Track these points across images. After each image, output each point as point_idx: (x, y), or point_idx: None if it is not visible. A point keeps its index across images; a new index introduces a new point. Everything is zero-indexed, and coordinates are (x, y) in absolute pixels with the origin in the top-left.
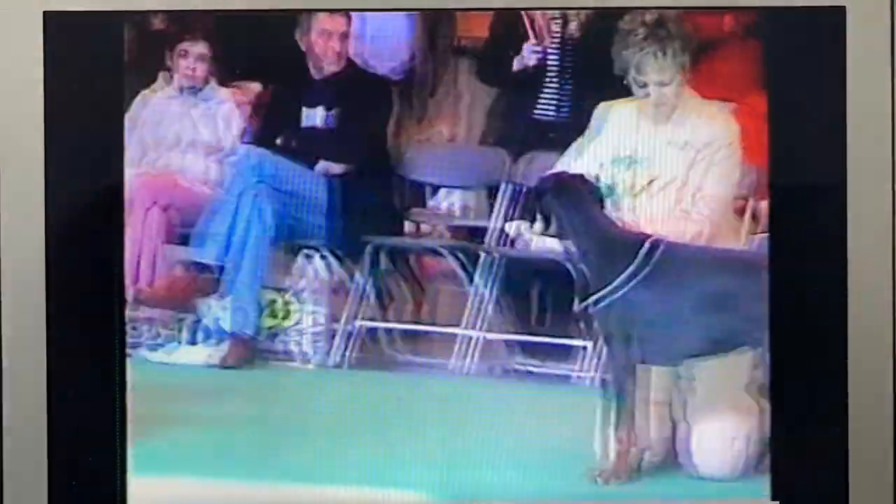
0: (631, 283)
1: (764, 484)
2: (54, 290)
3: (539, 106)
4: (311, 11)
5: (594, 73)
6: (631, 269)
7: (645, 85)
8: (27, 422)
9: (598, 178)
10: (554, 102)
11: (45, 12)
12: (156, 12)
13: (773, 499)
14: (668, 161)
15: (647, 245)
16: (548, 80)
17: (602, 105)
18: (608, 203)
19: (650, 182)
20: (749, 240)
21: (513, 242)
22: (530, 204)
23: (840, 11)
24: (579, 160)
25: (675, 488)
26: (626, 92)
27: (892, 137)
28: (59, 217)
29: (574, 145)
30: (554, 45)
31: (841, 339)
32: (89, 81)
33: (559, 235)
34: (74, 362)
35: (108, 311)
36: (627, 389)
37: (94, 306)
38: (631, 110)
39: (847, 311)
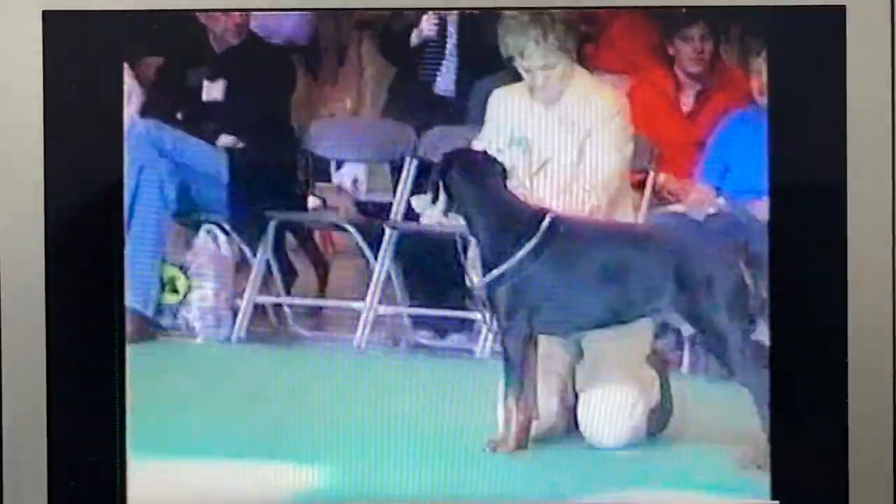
0: (531, 258)
1: (763, 483)
2: (54, 289)
3: (439, 83)
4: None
5: (486, 57)
6: (531, 243)
7: (530, 70)
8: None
9: (497, 157)
10: (453, 80)
11: (43, 11)
12: (153, 12)
13: (773, 498)
14: (561, 140)
15: (546, 220)
16: (446, 58)
17: (497, 89)
18: (510, 180)
19: (546, 162)
20: (648, 213)
21: (417, 218)
22: (434, 179)
23: (840, 11)
24: (480, 138)
25: (571, 457)
26: (517, 75)
27: (892, 137)
28: (59, 216)
29: (475, 124)
30: (452, 24)
31: (841, 339)
32: (88, 80)
33: (462, 211)
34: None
35: (107, 305)
36: (526, 361)
37: (93, 302)
38: (522, 93)
39: (847, 311)
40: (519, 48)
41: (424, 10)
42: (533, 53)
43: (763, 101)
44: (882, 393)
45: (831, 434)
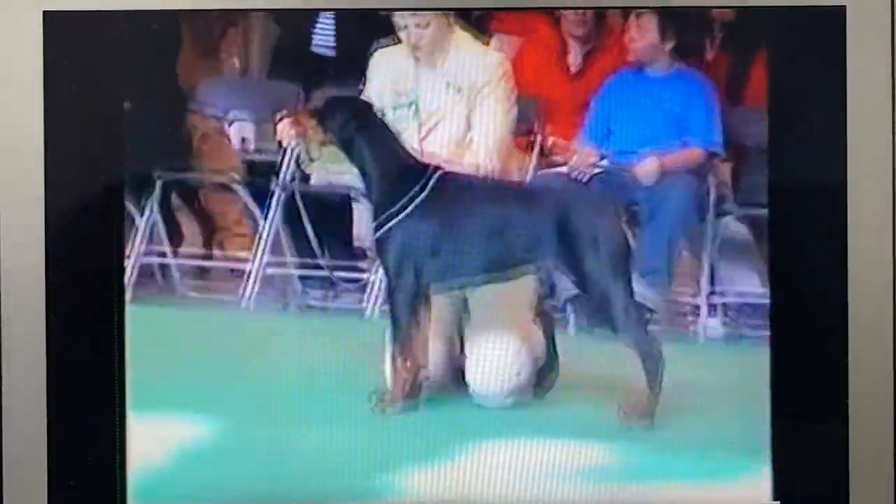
0: (419, 214)
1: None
2: (53, 288)
3: (321, 42)
4: None
5: (367, 16)
6: (418, 199)
7: (405, 27)
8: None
9: (386, 114)
10: (335, 39)
11: (44, 12)
12: (152, 12)
13: (774, 499)
14: (448, 101)
15: (434, 176)
16: (328, 17)
17: (381, 49)
18: (398, 138)
19: (434, 121)
20: (534, 172)
21: (307, 178)
22: (325, 137)
23: (840, 11)
24: (367, 97)
25: (457, 412)
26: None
27: (892, 137)
28: (59, 215)
29: (360, 83)
30: None
31: (841, 339)
32: (89, 81)
33: (353, 167)
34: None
35: (107, 304)
36: (415, 318)
37: (92, 298)
38: (405, 54)
39: (847, 311)
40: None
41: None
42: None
43: (656, 66)
44: (883, 393)
45: (832, 434)
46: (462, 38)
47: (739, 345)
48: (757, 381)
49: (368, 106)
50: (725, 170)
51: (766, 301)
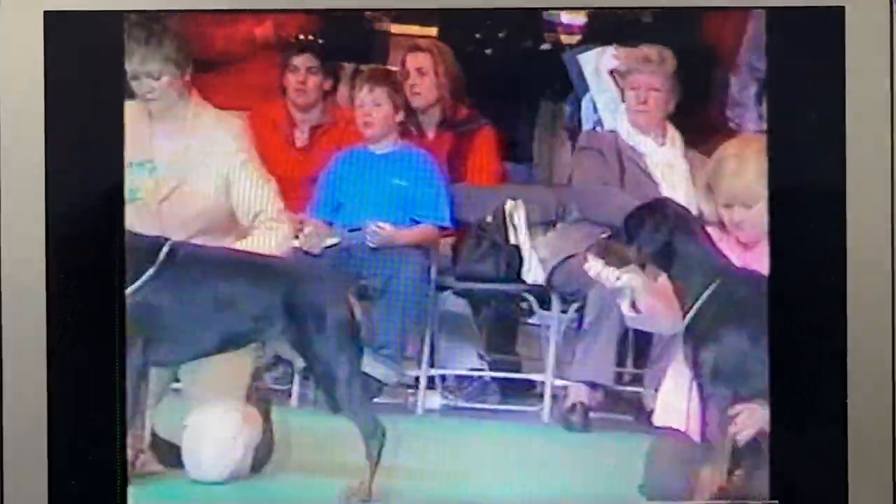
0: (151, 286)
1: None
2: (54, 287)
3: None
4: None
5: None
6: (151, 271)
7: (137, 77)
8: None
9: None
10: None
11: (45, 12)
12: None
13: (773, 498)
14: (189, 167)
15: (165, 248)
16: None
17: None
18: (130, 208)
19: (172, 187)
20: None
21: None
22: None
23: (840, 11)
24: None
25: (174, 492)
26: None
27: (892, 137)
28: (59, 214)
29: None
30: None
31: (840, 340)
32: (89, 80)
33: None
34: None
35: (107, 301)
36: (139, 391)
37: (93, 300)
38: (142, 112)
39: (847, 313)
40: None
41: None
42: (141, 59)
43: None
44: (882, 394)
45: (831, 434)
46: (200, 105)
47: (457, 417)
48: (469, 451)
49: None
50: (447, 245)
51: (485, 375)
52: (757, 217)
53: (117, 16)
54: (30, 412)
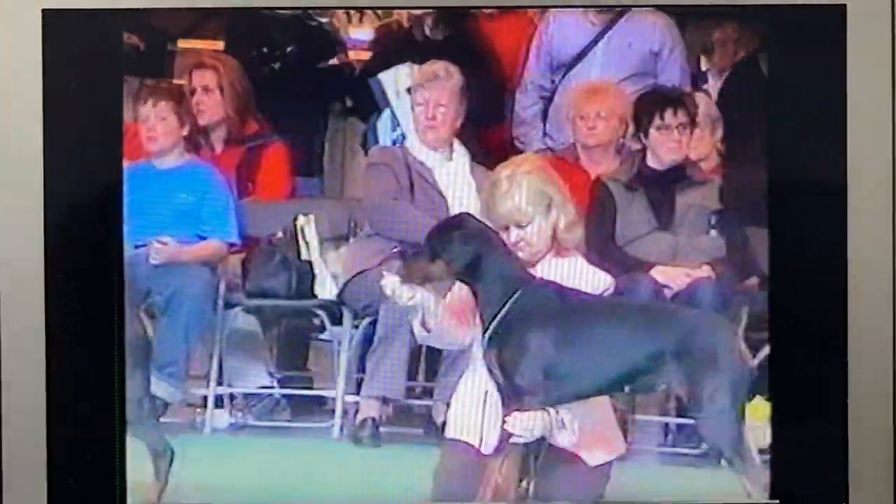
0: None
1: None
2: (53, 287)
3: None
4: None
5: None
6: None
7: None
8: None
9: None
10: None
11: (43, 10)
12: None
13: (773, 498)
14: None
15: None
16: None
17: None
18: None
19: None
20: None
21: None
22: None
23: (841, 10)
24: None
25: None
26: None
27: (892, 137)
28: (58, 213)
29: None
30: None
31: (841, 339)
32: (88, 78)
33: None
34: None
35: (107, 302)
36: None
37: (92, 299)
38: None
39: (847, 311)
40: None
41: None
42: None
43: None
44: (882, 393)
45: (831, 434)
46: None
47: (246, 436)
48: (259, 468)
49: None
50: (236, 261)
51: (275, 392)
52: (531, 237)
53: (115, 14)
54: (30, 412)
